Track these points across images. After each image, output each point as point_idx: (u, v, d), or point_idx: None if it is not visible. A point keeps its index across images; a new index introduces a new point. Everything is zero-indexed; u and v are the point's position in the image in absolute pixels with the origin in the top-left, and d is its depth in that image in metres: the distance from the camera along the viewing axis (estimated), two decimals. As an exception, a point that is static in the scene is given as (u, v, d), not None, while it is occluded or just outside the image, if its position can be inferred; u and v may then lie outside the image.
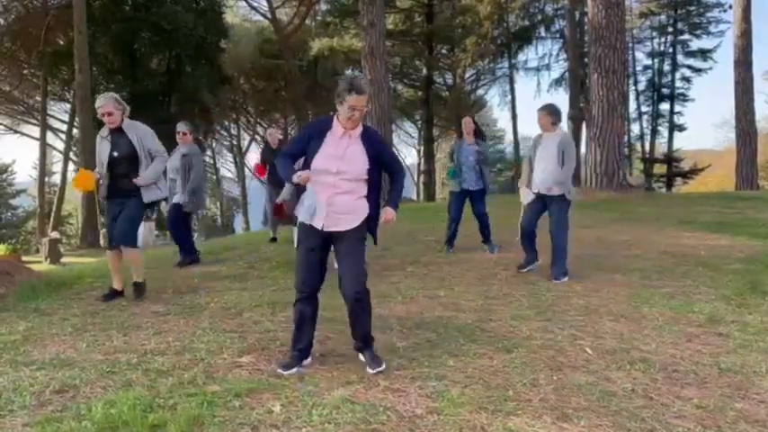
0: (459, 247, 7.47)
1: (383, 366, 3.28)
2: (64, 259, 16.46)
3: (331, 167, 3.26)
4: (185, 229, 7.16)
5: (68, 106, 29.75)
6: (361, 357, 3.42)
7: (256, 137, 39.46)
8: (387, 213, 3.38)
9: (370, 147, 3.34)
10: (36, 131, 32.30)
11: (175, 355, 3.54)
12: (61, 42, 27.15)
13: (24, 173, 44.80)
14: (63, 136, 31.81)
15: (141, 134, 5.06)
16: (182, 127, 7.00)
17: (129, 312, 4.61)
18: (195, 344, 3.75)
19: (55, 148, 35.55)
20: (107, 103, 4.95)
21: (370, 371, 3.26)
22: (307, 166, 3.31)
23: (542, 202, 5.81)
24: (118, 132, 5.03)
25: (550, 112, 5.76)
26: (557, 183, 5.64)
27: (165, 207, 6.82)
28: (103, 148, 5.06)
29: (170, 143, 6.14)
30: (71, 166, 30.21)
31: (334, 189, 3.28)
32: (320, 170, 3.25)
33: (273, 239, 8.45)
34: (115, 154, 5.00)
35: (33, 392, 2.97)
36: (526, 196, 5.89)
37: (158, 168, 5.20)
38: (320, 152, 3.28)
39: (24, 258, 15.18)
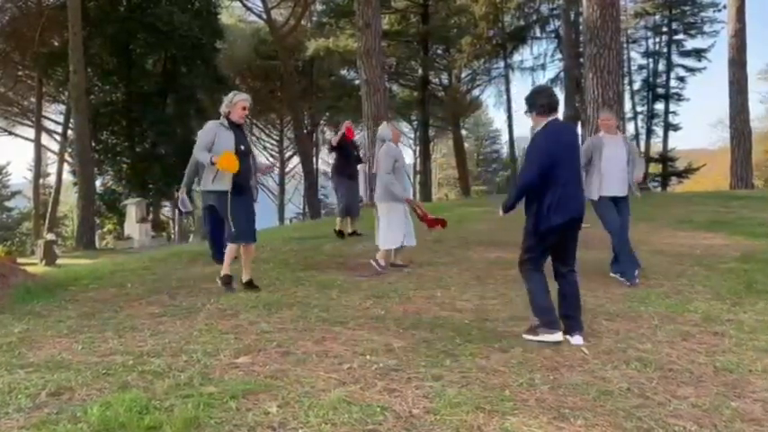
0: (456, 247, 7.46)
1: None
2: (59, 261, 16.36)
3: None
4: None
5: (63, 107, 29.63)
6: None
7: (254, 137, 39.37)
8: None
9: None
10: (30, 133, 32.15)
11: (171, 356, 3.53)
12: (56, 43, 27.03)
13: (19, 174, 44.44)
14: (58, 137, 31.69)
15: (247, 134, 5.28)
16: None
17: (124, 314, 4.60)
18: (191, 345, 3.74)
19: (49, 150, 35.39)
20: (248, 97, 5.19)
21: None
22: None
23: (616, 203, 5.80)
24: (240, 128, 5.18)
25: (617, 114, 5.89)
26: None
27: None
28: (227, 138, 5.05)
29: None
30: (66, 168, 30.08)
31: None
32: None
33: (341, 234, 8.50)
34: (242, 147, 5.09)
35: (28, 395, 2.96)
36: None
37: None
38: None
39: (20, 260, 15.07)
